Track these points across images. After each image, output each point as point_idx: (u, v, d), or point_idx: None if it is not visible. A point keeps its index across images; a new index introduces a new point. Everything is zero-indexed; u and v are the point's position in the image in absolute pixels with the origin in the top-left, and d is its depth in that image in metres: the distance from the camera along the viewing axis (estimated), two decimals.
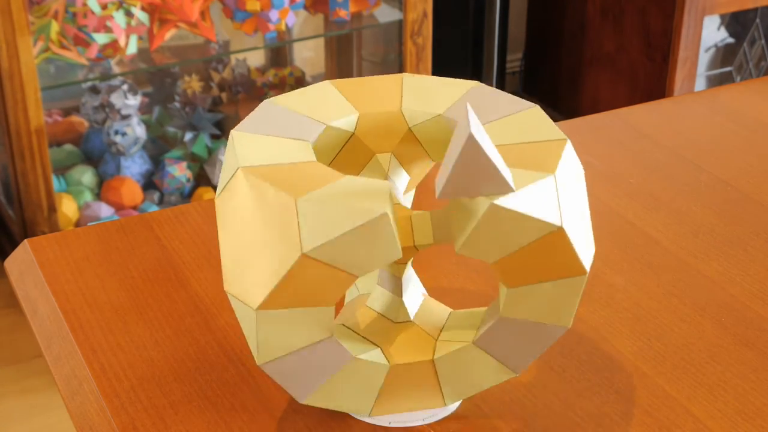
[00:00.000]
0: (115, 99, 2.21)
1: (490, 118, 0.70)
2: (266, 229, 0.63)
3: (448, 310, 0.72)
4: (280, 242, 0.62)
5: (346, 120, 0.71)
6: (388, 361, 0.68)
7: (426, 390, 0.70)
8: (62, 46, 2.05)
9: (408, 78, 0.74)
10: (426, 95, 0.73)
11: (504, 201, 0.61)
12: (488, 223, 0.62)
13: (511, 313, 0.66)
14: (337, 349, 0.66)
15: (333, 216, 0.61)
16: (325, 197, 0.61)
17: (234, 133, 0.68)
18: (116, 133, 2.22)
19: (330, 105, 0.72)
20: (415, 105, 0.72)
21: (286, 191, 0.62)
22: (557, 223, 0.63)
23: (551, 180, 0.64)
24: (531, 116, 0.70)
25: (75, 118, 2.35)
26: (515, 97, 0.72)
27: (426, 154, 0.74)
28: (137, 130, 2.23)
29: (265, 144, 0.67)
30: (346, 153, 0.72)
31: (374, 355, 0.68)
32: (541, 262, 0.64)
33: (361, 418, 0.71)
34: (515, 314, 0.66)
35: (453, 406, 0.72)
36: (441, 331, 0.70)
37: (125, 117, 2.22)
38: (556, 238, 0.63)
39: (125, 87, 2.22)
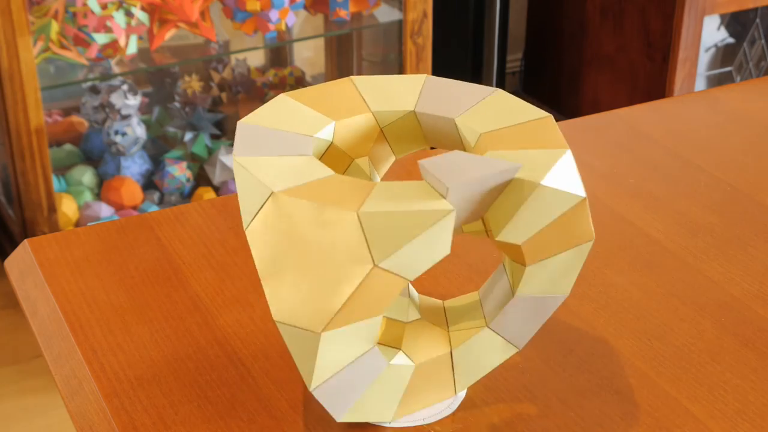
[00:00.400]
0: (115, 99, 2.21)
1: (464, 107, 0.71)
2: (322, 248, 0.61)
3: (440, 301, 0.73)
4: (345, 258, 0.61)
5: (325, 130, 0.70)
6: (413, 361, 0.68)
7: (441, 383, 0.70)
8: (62, 46, 2.05)
9: (358, 80, 0.74)
10: (386, 95, 0.73)
11: (547, 181, 0.64)
12: (534, 204, 0.64)
13: (527, 291, 0.67)
14: (377, 358, 0.66)
15: (400, 223, 0.60)
16: (383, 206, 0.61)
17: (239, 159, 0.66)
18: (116, 133, 2.22)
19: (304, 117, 0.71)
20: (380, 106, 0.72)
21: (340, 207, 0.61)
22: (582, 194, 0.65)
23: (570, 154, 0.66)
24: (501, 100, 0.71)
25: (75, 118, 2.35)
26: (471, 84, 0.73)
27: (392, 152, 0.74)
28: (137, 130, 2.23)
29: (277, 165, 0.65)
30: (325, 162, 0.72)
31: (400, 357, 0.68)
32: (560, 234, 0.66)
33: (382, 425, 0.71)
34: (530, 291, 0.67)
35: (454, 405, 0.72)
36: (447, 322, 0.71)
37: (125, 117, 2.22)
38: (578, 208, 0.65)
39: (125, 87, 2.22)
